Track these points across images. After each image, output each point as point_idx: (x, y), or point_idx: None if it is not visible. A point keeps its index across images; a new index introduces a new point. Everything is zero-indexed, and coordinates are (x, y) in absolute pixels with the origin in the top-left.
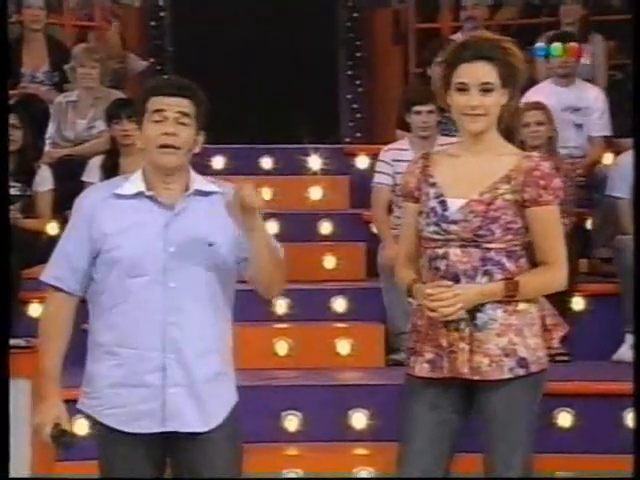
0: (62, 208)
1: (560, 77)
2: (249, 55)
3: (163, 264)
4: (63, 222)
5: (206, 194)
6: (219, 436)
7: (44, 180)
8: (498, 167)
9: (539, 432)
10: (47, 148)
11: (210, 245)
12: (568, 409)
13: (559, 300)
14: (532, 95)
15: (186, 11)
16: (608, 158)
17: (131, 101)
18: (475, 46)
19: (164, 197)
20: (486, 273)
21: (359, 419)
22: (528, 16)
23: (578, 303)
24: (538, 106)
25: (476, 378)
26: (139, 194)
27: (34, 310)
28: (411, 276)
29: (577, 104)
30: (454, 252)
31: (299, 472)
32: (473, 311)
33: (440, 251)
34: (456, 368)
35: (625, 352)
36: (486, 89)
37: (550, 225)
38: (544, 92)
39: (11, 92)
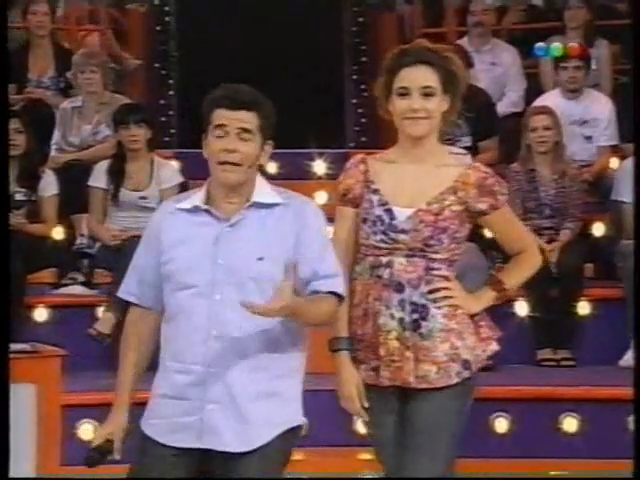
0: (67, 213)
1: (568, 91)
2: (254, 59)
3: (211, 276)
4: (68, 227)
5: (267, 206)
6: (258, 459)
7: (49, 185)
8: (443, 177)
9: (545, 437)
10: (53, 153)
11: (260, 259)
12: (573, 414)
13: (566, 305)
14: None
15: (191, 16)
16: (614, 163)
17: (139, 106)
18: (415, 52)
19: (223, 210)
20: (428, 282)
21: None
22: (533, 20)
23: (584, 307)
24: (545, 110)
25: (423, 387)
26: (196, 207)
27: (39, 315)
28: (343, 329)
29: (585, 116)
30: (399, 261)
31: (304, 476)
32: (418, 320)
33: (384, 259)
34: (400, 377)
35: (630, 358)
36: (427, 93)
37: (512, 219)
38: (551, 104)
39: (17, 97)
